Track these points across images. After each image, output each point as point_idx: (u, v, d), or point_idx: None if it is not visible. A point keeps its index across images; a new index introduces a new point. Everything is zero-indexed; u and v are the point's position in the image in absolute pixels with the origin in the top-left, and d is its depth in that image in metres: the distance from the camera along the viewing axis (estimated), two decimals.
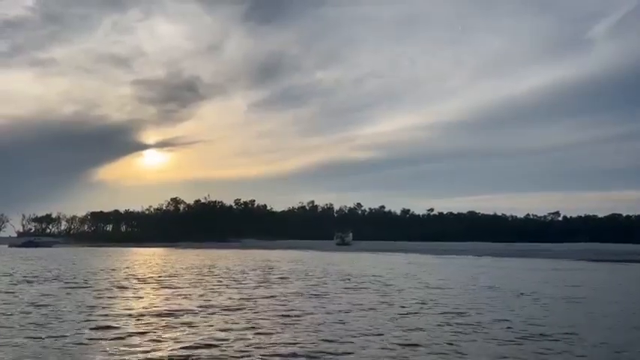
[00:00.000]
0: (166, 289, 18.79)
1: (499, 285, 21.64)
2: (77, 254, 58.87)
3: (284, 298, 16.23)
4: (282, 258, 48.33)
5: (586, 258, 54.89)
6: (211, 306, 14.29)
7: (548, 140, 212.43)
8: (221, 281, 22.14)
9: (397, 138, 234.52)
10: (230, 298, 16.10)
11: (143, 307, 13.98)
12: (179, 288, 19.32)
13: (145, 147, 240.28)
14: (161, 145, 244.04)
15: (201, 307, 14.12)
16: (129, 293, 17.49)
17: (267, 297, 16.71)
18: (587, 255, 59.62)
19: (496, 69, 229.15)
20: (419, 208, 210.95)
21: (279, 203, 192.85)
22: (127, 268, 31.10)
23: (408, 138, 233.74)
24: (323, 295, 17.18)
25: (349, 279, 23.59)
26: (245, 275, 25.68)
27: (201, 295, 16.82)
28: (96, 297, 16.34)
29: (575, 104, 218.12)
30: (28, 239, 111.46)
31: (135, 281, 21.78)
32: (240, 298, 16.13)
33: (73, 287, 19.32)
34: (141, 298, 16.34)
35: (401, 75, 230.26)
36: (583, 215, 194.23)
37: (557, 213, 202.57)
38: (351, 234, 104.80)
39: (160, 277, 24.31)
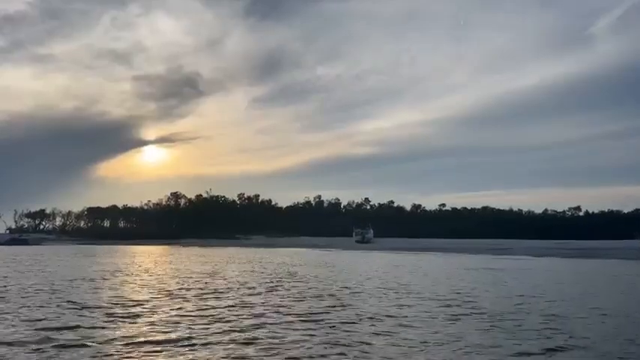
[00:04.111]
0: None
1: None
2: (61, 254, 49.17)
3: None
4: (304, 260, 38.49)
5: None
6: None
7: (551, 136, 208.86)
8: (253, 333, 12.14)
9: (398, 134, 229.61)
10: None
11: None
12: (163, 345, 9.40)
13: (145, 143, 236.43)
14: (161, 141, 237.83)
15: None
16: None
17: None
18: None
19: (498, 65, 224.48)
20: (424, 203, 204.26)
21: (280, 199, 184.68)
22: (104, 279, 21.11)
23: (410, 134, 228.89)
24: None
25: (488, 315, 13.50)
26: (276, 292, 15.73)
27: None
28: None
29: (577, 100, 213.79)
30: (14, 236, 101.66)
31: (101, 316, 11.85)
32: None
33: None
34: None
35: (402, 71, 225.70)
36: (606, 210, 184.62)
37: (578, 208, 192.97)
38: (371, 231, 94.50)
39: (140, 303, 14.33)
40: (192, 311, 12.44)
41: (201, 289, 17.35)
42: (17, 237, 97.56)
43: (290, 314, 12.12)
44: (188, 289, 17.07)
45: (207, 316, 11.71)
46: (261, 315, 11.99)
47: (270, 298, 15.00)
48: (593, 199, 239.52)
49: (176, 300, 14.43)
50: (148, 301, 14.12)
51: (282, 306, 13.48)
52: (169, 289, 17.29)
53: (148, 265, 31.60)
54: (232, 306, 13.39)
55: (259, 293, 16.26)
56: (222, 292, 16.33)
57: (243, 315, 11.99)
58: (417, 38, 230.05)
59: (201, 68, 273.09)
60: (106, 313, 11.91)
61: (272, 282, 20.04)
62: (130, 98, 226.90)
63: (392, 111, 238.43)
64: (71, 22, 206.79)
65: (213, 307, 13.03)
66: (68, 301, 13.77)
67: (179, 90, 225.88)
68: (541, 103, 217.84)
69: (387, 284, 19.50)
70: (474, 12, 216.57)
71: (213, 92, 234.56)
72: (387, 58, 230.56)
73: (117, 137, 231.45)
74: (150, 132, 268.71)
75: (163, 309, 12.75)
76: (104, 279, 20.74)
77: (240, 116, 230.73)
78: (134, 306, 13.15)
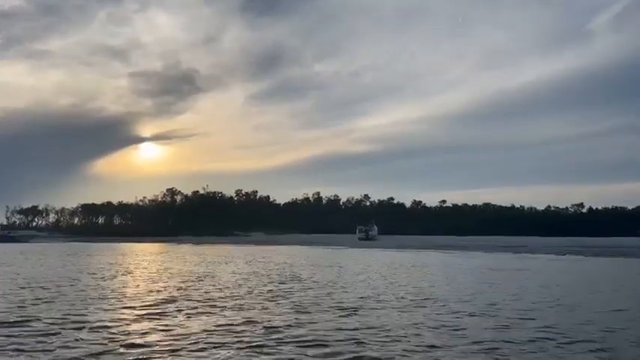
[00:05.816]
0: None
1: None
2: (46, 252, 45.79)
3: None
4: (307, 259, 35.11)
5: None
6: None
7: (550, 133, 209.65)
8: None
9: (397, 131, 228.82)
10: None
11: None
12: None
13: (142, 140, 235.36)
14: (158, 137, 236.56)
15: None
16: None
17: None
18: None
19: (497, 61, 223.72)
20: (424, 200, 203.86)
21: (278, 196, 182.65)
22: (71, 284, 17.69)
23: (408, 131, 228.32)
24: None
25: None
26: (280, 303, 12.34)
27: None
28: None
29: (576, 96, 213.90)
30: (2, 233, 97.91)
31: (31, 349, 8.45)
32: None
33: None
34: None
35: (400, 68, 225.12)
36: (610, 207, 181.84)
37: (581, 205, 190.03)
38: (375, 227, 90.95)
39: (106, 326, 10.90)
40: (173, 336, 9.02)
41: (196, 299, 13.89)
42: (6, 234, 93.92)
43: (302, 341, 8.71)
44: (174, 300, 13.62)
45: (194, 343, 8.31)
46: (263, 346, 8.57)
47: (275, 314, 11.55)
48: (594, 195, 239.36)
49: (156, 319, 10.93)
50: (117, 321, 10.65)
51: (292, 325, 10.05)
52: (151, 301, 13.79)
53: (136, 265, 28.12)
54: (226, 327, 9.95)
55: (261, 306, 12.81)
56: (216, 306, 12.87)
57: (240, 342, 8.56)
58: (416, 35, 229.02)
59: (199, 64, 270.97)
60: (44, 346, 8.43)
61: (276, 289, 16.61)
62: (127, 95, 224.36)
63: (390, 108, 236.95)
64: (67, 18, 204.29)
65: (202, 330, 9.59)
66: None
67: (176, 86, 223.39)
68: (540, 100, 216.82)
69: (413, 292, 16.13)
70: (472, 9, 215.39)
71: (210, 89, 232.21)
72: (386, 55, 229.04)
73: (113, 134, 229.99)
74: (146, 128, 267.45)
75: (134, 336, 9.30)
76: (71, 285, 17.25)
77: (237, 113, 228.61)
78: (94, 330, 9.67)
